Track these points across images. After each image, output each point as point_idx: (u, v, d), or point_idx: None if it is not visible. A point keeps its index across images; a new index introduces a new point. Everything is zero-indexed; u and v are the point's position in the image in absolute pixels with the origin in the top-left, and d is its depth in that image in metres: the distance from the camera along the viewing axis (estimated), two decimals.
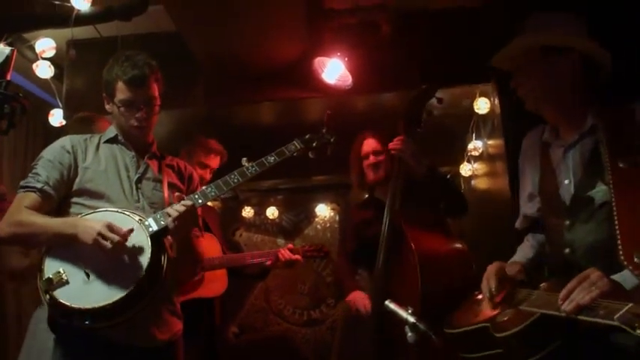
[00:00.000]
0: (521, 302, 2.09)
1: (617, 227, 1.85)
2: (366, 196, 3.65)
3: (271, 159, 2.57)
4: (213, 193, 2.46)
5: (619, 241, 1.80)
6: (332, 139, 2.78)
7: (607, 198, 2.01)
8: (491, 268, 2.28)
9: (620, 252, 1.77)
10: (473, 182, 5.02)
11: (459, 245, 3.02)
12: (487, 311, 2.23)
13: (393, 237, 3.00)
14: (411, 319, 1.71)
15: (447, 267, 2.83)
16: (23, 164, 4.50)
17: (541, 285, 2.10)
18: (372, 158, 3.53)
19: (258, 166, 2.54)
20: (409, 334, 1.70)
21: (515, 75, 2.31)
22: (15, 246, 2.83)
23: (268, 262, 3.86)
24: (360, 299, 3.37)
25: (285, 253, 3.84)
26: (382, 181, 3.46)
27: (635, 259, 1.71)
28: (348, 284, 3.58)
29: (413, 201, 3.26)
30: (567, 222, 2.13)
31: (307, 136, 2.73)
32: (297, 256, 3.87)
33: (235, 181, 2.49)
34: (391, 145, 3.11)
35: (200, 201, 2.43)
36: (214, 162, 3.83)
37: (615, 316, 1.62)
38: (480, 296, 2.36)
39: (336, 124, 2.86)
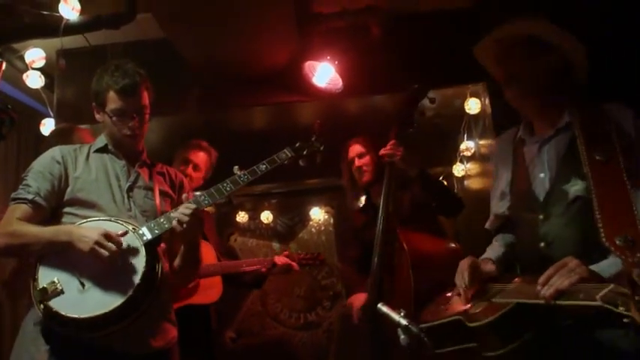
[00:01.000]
0: (494, 295, 2.13)
1: (598, 215, 1.88)
2: (363, 201, 3.69)
3: (263, 167, 2.59)
4: (206, 202, 2.47)
5: (601, 228, 1.83)
6: (321, 148, 2.81)
7: (581, 192, 2.07)
8: (465, 263, 2.31)
9: (603, 237, 1.79)
10: (466, 182, 5.03)
11: (451, 245, 3.06)
12: (458, 305, 2.27)
13: (387, 239, 3.02)
14: (404, 322, 1.71)
15: (439, 266, 2.85)
16: (15, 173, 4.50)
17: (514, 280, 2.15)
18: (356, 161, 3.58)
19: (250, 174, 2.56)
20: (402, 336, 1.70)
21: (503, 64, 2.34)
22: (9, 257, 2.83)
23: (263, 270, 3.86)
24: (357, 300, 3.39)
25: (281, 260, 3.88)
26: (372, 182, 3.52)
27: (617, 242, 1.73)
28: (352, 283, 3.61)
29: (407, 203, 3.30)
30: (541, 216, 2.17)
31: (297, 145, 2.76)
32: (293, 263, 3.91)
33: (228, 189, 2.51)
34: (382, 152, 3.14)
35: (201, 204, 2.44)
36: (198, 157, 3.83)
37: (597, 296, 1.65)
38: (449, 294, 2.41)
39: (326, 133, 2.89)
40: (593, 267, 1.89)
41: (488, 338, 2.05)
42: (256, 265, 3.91)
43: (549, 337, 1.98)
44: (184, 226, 2.35)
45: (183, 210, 2.37)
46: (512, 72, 2.30)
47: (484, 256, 2.44)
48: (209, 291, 3.67)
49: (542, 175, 2.21)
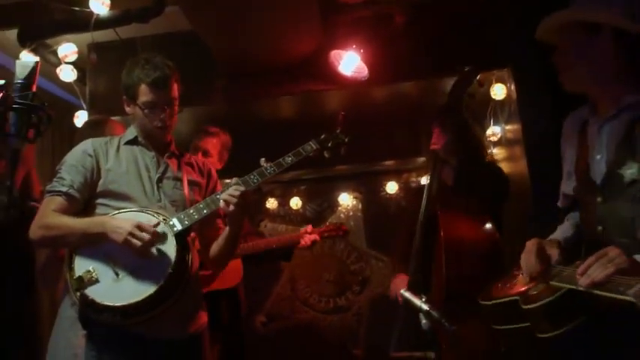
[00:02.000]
0: (552, 278, 2.11)
1: None
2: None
3: (288, 159, 2.62)
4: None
5: None
6: (346, 139, 2.82)
7: (636, 176, 2.00)
8: (531, 245, 2.25)
9: None
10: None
11: (491, 234, 3.05)
12: (520, 285, 2.25)
13: (429, 222, 3.07)
14: (425, 307, 1.77)
15: (473, 254, 2.90)
16: (51, 164, 4.62)
17: (576, 262, 2.09)
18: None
19: (276, 166, 2.59)
20: (423, 321, 1.76)
21: (556, 52, 2.27)
22: (45, 248, 2.94)
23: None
24: (399, 282, 3.34)
25: (305, 240, 3.91)
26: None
27: None
28: (397, 266, 3.52)
29: (457, 187, 3.31)
30: (599, 199, 2.12)
31: (322, 137, 2.77)
32: (315, 236, 3.91)
33: (255, 181, 2.54)
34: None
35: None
36: (207, 143, 3.86)
37: (629, 291, 1.65)
38: (517, 272, 2.37)
39: (351, 122, 2.91)
40: (637, 256, 1.86)
41: (540, 320, 2.05)
42: (279, 243, 3.96)
43: (600, 322, 1.94)
44: (231, 207, 2.41)
45: (232, 191, 2.42)
46: (562, 63, 2.23)
47: (553, 235, 2.40)
48: (229, 275, 3.68)
49: (598, 156, 2.14)
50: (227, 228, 2.57)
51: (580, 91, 2.26)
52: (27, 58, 3.92)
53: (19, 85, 1.94)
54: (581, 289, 1.86)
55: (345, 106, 4.88)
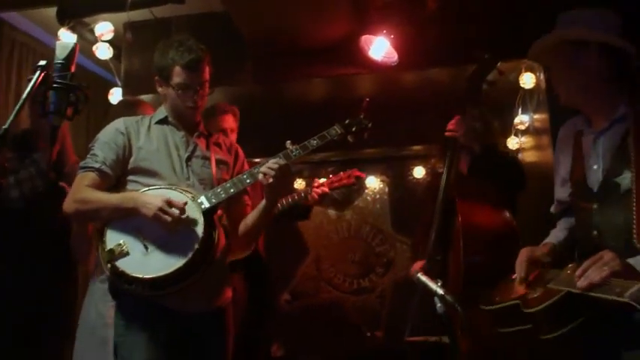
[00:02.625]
0: (549, 281, 2.18)
1: (634, 212, 1.93)
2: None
3: (314, 142, 2.65)
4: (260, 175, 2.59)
5: (634, 226, 1.89)
6: (369, 125, 2.84)
7: (630, 185, 2.08)
8: (523, 254, 2.38)
9: (635, 235, 1.85)
10: (520, 155, 5.05)
11: (508, 221, 3.09)
12: (519, 289, 2.33)
13: (447, 209, 3.10)
14: (440, 291, 1.83)
15: (491, 240, 2.93)
16: (85, 138, 4.73)
17: (569, 265, 2.17)
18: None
19: (302, 149, 2.62)
20: (438, 304, 1.82)
21: (550, 71, 2.42)
22: (79, 221, 3.05)
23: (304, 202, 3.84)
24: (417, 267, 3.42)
25: (313, 196, 3.82)
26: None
27: None
28: (418, 249, 3.55)
29: (473, 174, 3.35)
30: (595, 206, 2.19)
31: (347, 121, 2.79)
32: (323, 189, 3.83)
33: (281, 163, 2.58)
34: (448, 128, 3.19)
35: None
36: (226, 122, 3.81)
37: (626, 294, 1.71)
38: (514, 276, 2.44)
39: (377, 108, 2.94)
40: (631, 260, 1.92)
41: (541, 322, 2.12)
42: (294, 198, 3.84)
43: (599, 322, 2.01)
44: (270, 179, 2.47)
45: (271, 164, 2.48)
46: (555, 80, 2.39)
47: (547, 239, 2.50)
48: None
49: (595, 167, 2.23)
50: (262, 201, 2.62)
51: (574, 106, 2.38)
52: (65, 37, 4.05)
53: (58, 65, 2.04)
54: (578, 291, 1.93)
55: (374, 91, 4.93)
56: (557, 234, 2.51)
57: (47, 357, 3.14)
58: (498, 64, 3.19)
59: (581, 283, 1.91)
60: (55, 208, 2.73)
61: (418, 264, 3.39)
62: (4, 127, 1.86)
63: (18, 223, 3.14)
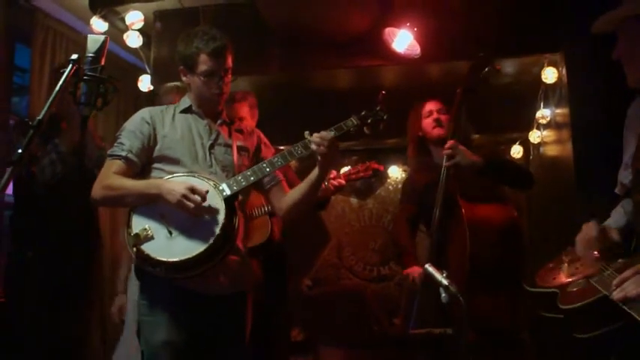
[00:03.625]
0: (594, 275, 2.11)
1: None
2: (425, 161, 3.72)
3: (331, 133, 2.68)
4: (279, 163, 2.67)
5: None
6: (385, 117, 2.87)
7: None
8: (591, 229, 2.25)
9: None
10: (541, 149, 5.08)
11: (510, 214, 3.15)
12: (562, 277, 2.28)
13: (448, 201, 3.18)
14: (445, 282, 1.91)
15: (493, 232, 3.01)
16: (116, 124, 4.85)
17: (619, 261, 2.10)
18: (435, 114, 3.58)
19: (336, 131, 2.67)
20: (443, 294, 1.90)
21: (617, 47, 2.26)
22: (106, 206, 3.18)
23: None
24: (417, 272, 3.48)
25: (329, 188, 3.75)
26: (443, 139, 3.41)
27: None
28: (405, 243, 3.70)
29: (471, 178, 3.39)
30: None
31: (363, 113, 2.83)
32: (340, 180, 3.75)
33: (299, 152, 2.66)
34: (445, 157, 3.23)
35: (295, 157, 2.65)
36: (240, 110, 3.83)
37: None
38: (564, 257, 2.40)
39: (397, 99, 2.99)
40: None
41: (576, 321, 2.07)
42: None
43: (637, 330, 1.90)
44: (322, 149, 2.54)
45: (324, 134, 2.56)
46: (623, 54, 2.23)
47: (608, 221, 2.38)
48: (257, 232, 3.68)
49: None
50: (314, 171, 2.67)
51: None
52: (97, 25, 4.17)
53: (89, 58, 2.14)
54: (613, 299, 1.86)
55: (397, 82, 4.99)
56: (616, 218, 2.38)
57: (74, 325, 3.27)
58: (494, 60, 3.24)
59: (617, 294, 1.85)
60: (78, 191, 2.90)
61: (415, 269, 3.50)
62: (38, 117, 1.95)
63: (41, 208, 3.27)
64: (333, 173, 3.74)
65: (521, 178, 3.47)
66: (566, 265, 2.35)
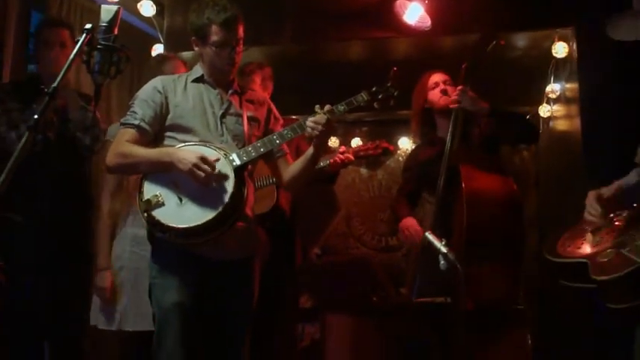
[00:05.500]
0: (624, 245, 2.10)
1: None
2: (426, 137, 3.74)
3: (341, 108, 2.72)
4: (289, 135, 2.72)
5: None
6: (395, 93, 2.88)
7: None
8: (591, 196, 2.30)
9: None
10: (551, 123, 5.10)
11: (510, 187, 3.19)
12: (589, 246, 2.27)
13: (449, 177, 3.21)
14: (444, 250, 1.97)
15: (492, 204, 3.05)
16: (129, 92, 4.90)
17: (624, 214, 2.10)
18: (442, 85, 3.55)
19: (329, 113, 2.69)
20: (441, 262, 1.97)
21: None
22: (120, 174, 3.25)
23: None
24: (411, 225, 3.49)
25: (336, 161, 3.71)
26: (451, 110, 3.40)
27: None
28: (402, 213, 3.64)
29: (475, 139, 3.42)
30: None
31: (374, 89, 2.85)
32: (348, 155, 3.70)
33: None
34: (450, 100, 3.28)
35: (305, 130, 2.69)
36: (250, 83, 3.82)
37: None
38: (586, 226, 2.39)
39: (408, 72, 3.02)
40: None
41: (612, 291, 2.05)
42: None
43: None
44: (315, 132, 2.61)
45: (318, 119, 2.62)
46: None
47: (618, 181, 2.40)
48: (263, 202, 3.69)
49: None
50: (309, 149, 2.74)
51: None
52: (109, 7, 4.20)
53: (103, 28, 2.19)
54: None
55: (408, 54, 5.01)
56: (628, 178, 2.40)
57: (75, 281, 3.33)
58: (498, 38, 3.25)
59: None
60: (62, 155, 3.12)
61: (409, 221, 3.50)
62: (53, 85, 2.02)
63: (26, 173, 3.30)
64: (343, 148, 3.76)
65: (526, 129, 3.51)
66: (589, 234, 2.34)
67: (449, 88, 3.50)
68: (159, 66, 3.52)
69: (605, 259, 2.11)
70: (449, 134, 3.25)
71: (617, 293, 2.03)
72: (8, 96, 3.28)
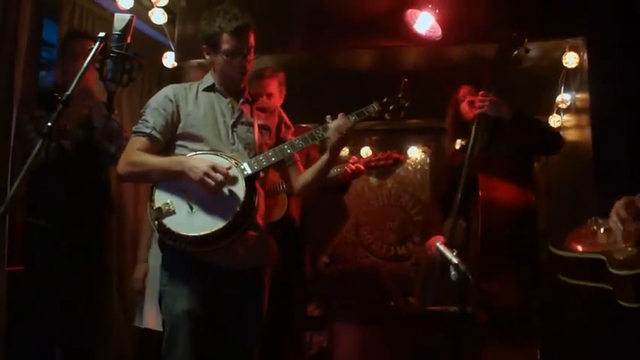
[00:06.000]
0: None
1: None
2: (462, 142, 3.75)
3: (352, 118, 2.72)
4: (300, 145, 2.73)
5: None
6: (406, 104, 2.90)
7: None
8: (623, 200, 2.16)
9: None
10: (561, 133, 5.06)
11: (527, 196, 3.18)
12: (604, 243, 2.18)
13: (469, 183, 3.21)
14: (455, 260, 1.97)
15: (508, 213, 3.05)
16: (139, 99, 4.92)
17: None
18: (469, 97, 3.63)
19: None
20: (452, 272, 1.96)
21: None
22: (130, 182, 3.27)
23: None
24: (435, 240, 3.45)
25: (347, 171, 3.67)
26: None
27: None
28: (432, 219, 3.69)
29: (494, 149, 3.44)
30: None
31: (385, 100, 2.87)
32: (358, 165, 3.66)
33: (320, 135, 2.72)
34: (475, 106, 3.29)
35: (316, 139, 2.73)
36: (269, 86, 3.82)
37: None
38: (595, 227, 2.29)
39: (418, 82, 3.03)
40: None
41: (627, 288, 1.97)
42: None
43: None
44: (337, 134, 2.62)
45: (340, 121, 2.64)
46: None
47: None
48: (274, 210, 3.70)
49: None
50: (324, 155, 2.75)
51: None
52: (123, 1, 4.23)
53: (116, 36, 2.21)
54: None
55: (418, 63, 5.01)
56: None
57: (86, 289, 3.38)
58: (525, 41, 3.24)
59: None
60: (87, 163, 3.16)
61: (434, 239, 3.52)
62: (66, 93, 2.03)
63: (53, 179, 3.34)
64: (354, 158, 3.75)
65: (548, 137, 3.51)
66: (600, 232, 2.24)
67: (474, 98, 3.53)
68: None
69: (622, 256, 2.02)
70: (470, 142, 3.27)
71: (633, 290, 1.94)
72: (35, 104, 3.36)
